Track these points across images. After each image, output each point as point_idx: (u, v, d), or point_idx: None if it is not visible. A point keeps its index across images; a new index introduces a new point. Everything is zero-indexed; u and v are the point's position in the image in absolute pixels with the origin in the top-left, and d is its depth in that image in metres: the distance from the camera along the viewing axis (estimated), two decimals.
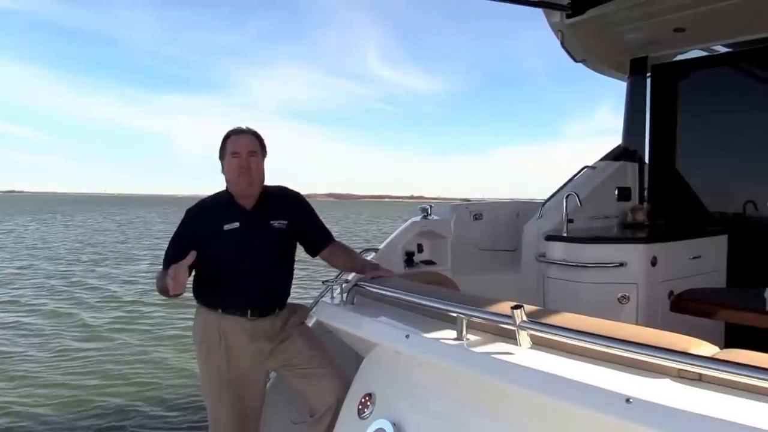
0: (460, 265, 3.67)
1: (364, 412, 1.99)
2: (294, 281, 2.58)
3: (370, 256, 3.25)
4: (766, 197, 3.93)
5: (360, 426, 1.95)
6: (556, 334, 1.50)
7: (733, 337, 2.97)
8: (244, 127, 2.48)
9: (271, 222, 2.43)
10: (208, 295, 2.43)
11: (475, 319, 1.70)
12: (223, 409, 2.38)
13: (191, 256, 2.17)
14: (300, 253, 2.59)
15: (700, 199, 4.34)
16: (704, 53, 4.44)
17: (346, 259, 2.65)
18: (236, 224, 2.37)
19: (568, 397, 1.35)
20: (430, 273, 3.18)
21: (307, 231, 2.58)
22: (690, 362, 1.28)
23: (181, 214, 2.49)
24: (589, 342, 1.44)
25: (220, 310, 2.38)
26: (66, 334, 7.87)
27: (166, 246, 2.44)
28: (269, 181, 2.51)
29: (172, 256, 2.27)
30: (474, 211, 4.02)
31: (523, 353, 1.54)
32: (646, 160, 4.56)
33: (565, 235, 3.49)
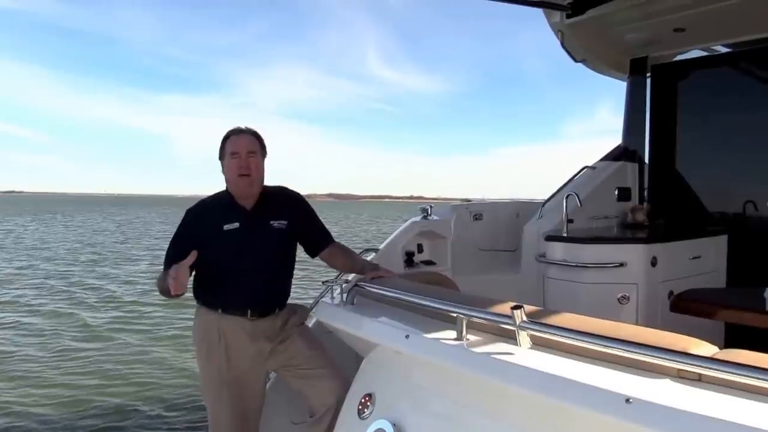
0: (460, 265, 3.66)
1: (364, 413, 1.99)
2: (294, 281, 2.58)
3: (370, 257, 3.25)
4: (766, 197, 3.93)
5: (360, 426, 1.95)
6: (556, 335, 1.51)
7: (733, 338, 2.97)
8: (243, 127, 2.48)
9: (271, 222, 2.43)
10: (208, 295, 2.43)
11: (475, 320, 1.70)
12: (223, 409, 2.38)
13: (192, 256, 2.17)
14: (300, 253, 2.59)
15: (700, 199, 4.33)
16: (704, 53, 4.44)
17: (346, 259, 2.65)
18: (236, 224, 2.37)
19: (568, 397, 1.35)
20: (430, 273, 3.18)
21: (306, 232, 2.58)
22: (690, 362, 1.28)
23: (181, 215, 2.49)
24: (589, 342, 1.44)
25: (220, 311, 2.38)
26: (65, 334, 7.87)
27: (165, 246, 2.44)
28: (269, 181, 2.51)
29: (173, 256, 2.28)
30: (474, 212, 4.02)
31: (523, 353, 1.54)
32: (646, 160, 4.56)
33: (565, 235, 3.49)
